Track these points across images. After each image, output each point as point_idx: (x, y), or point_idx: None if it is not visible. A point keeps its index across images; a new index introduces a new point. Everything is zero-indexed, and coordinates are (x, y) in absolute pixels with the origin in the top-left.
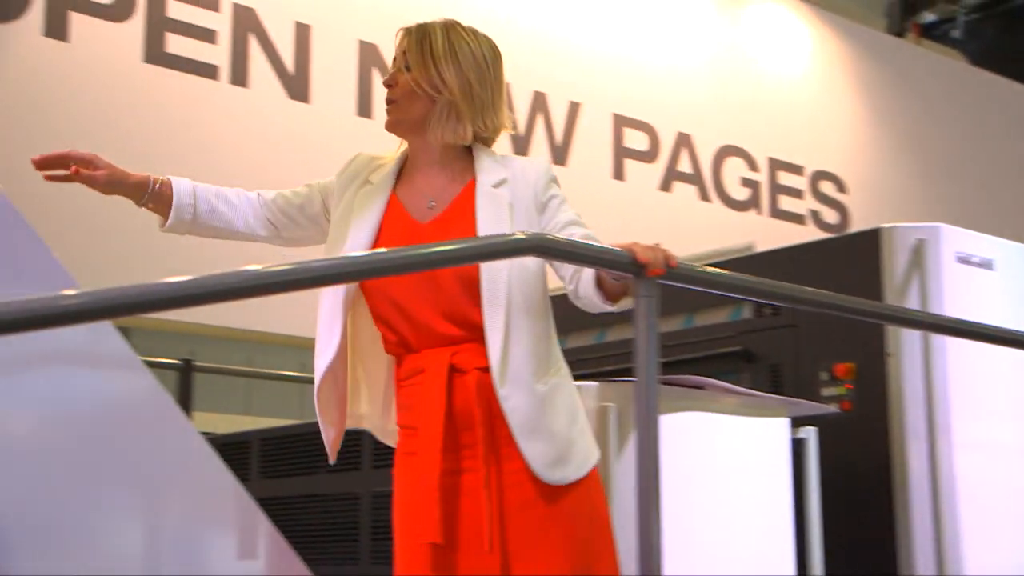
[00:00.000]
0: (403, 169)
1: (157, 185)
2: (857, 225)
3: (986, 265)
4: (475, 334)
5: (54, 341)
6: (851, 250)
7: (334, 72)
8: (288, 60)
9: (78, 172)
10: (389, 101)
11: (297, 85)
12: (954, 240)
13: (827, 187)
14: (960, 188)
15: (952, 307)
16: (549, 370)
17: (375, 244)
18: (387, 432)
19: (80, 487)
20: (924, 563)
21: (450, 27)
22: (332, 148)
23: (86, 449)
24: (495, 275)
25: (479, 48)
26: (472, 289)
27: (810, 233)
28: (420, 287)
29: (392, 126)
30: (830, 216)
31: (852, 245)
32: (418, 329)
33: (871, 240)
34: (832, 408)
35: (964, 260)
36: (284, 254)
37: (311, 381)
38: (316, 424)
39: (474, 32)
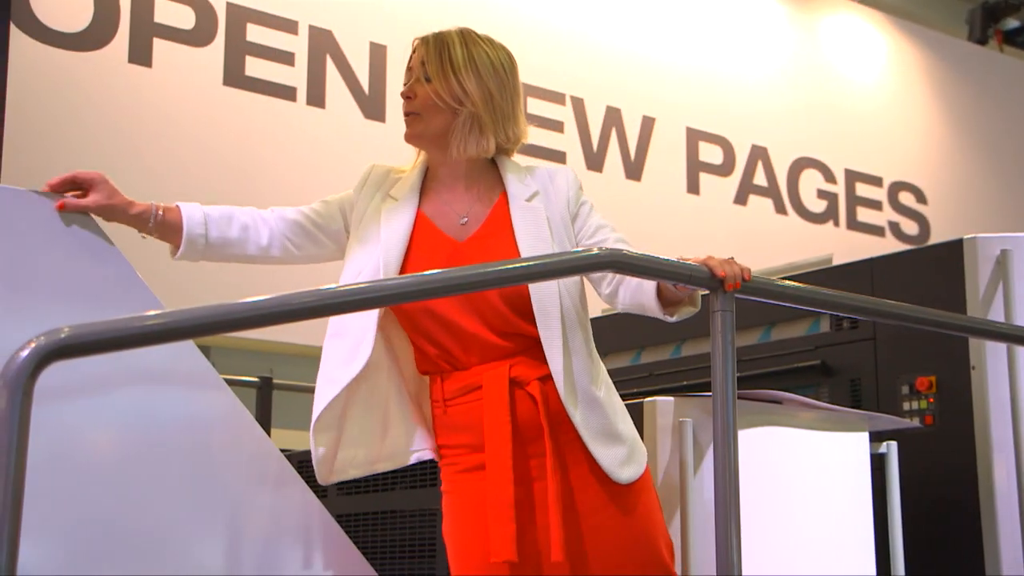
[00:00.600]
0: (424, 182)
1: (160, 214)
2: (937, 236)
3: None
4: (526, 345)
5: (138, 360)
6: (932, 261)
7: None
8: (364, 80)
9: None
10: (408, 113)
11: (373, 105)
12: None
13: (906, 198)
14: None
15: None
16: (599, 374)
17: (406, 261)
18: (383, 457)
19: (162, 503)
20: (1013, 567)
21: (467, 36)
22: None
23: (168, 465)
24: (545, 287)
25: (497, 57)
26: (519, 302)
27: (889, 245)
28: (465, 301)
29: (413, 139)
30: (909, 227)
31: (933, 256)
32: (466, 344)
33: (953, 251)
34: (914, 422)
35: None
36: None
37: None
38: None
39: (490, 40)
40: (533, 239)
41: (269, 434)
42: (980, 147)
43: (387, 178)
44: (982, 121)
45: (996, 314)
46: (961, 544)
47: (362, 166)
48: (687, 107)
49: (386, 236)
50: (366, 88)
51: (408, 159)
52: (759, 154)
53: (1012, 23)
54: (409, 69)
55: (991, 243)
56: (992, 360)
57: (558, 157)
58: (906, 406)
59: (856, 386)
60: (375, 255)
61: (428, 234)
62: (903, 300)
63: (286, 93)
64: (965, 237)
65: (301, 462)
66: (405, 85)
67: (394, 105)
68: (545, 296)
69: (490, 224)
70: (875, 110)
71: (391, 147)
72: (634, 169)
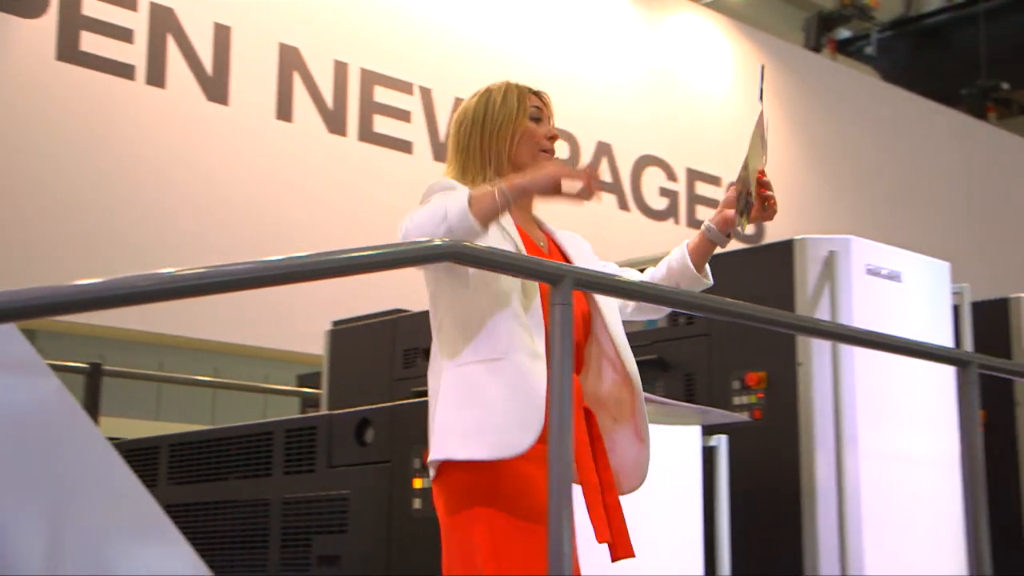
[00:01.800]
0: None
1: None
2: (771, 236)
3: (894, 277)
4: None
5: None
6: (765, 261)
7: (253, 74)
8: (207, 61)
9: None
10: (553, 152)
11: (216, 87)
12: (864, 253)
13: None
14: (871, 201)
15: (861, 318)
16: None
17: None
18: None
19: None
20: (828, 567)
21: None
22: (250, 151)
23: None
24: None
25: None
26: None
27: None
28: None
29: None
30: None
31: (766, 256)
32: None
33: (784, 251)
34: (743, 416)
35: (874, 272)
36: (197, 258)
37: (224, 386)
38: (226, 429)
39: None
40: (583, 261)
41: (97, 422)
42: (814, 151)
43: None
44: (817, 126)
45: (822, 312)
46: (782, 534)
47: (203, 147)
48: None
49: (515, 237)
50: (209, 69)
51: (308, 152)
52: (604, 151)
53: (844, 33)
54: (546, 115)
55: (819, 244)
56: (818, 357)
57: (404, 147)
58: (737, 400)
59: (691, 380)
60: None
61: (534, 251)
62: (737, 298)
63: (124, 71)
64: (795, 238)
65: (130, 451)
66: (548, 131)
67: (239, 87)
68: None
69: (553, 248)
70: (717, 112)
71: (233, 130)
72: None
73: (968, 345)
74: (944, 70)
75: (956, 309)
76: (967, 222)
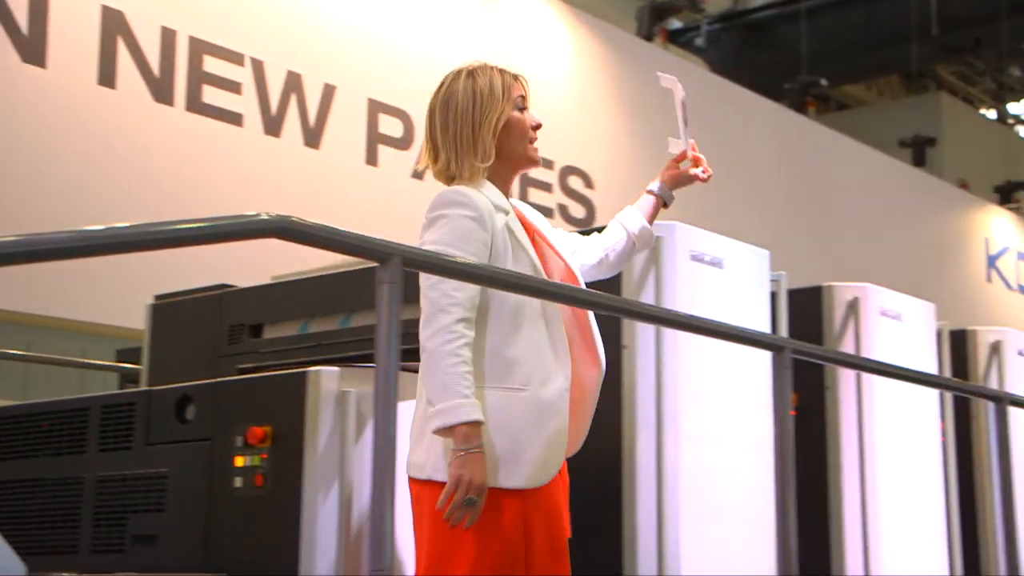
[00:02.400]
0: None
1: None
2: (602, 220)
3: (717, 264)
4: None
5: None
6: None
7: (73, 37)
8: (22, 21)
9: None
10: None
11: (32, 48)
12: (689, 239)
13: (575, 182)
14: (696, 189)
15: (684, 303)
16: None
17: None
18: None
19: None
20: (646, 549)
21: None
22: (70, 116)
23: None
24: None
25: None
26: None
27: (557, 227)
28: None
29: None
30: (577, 211)
31: None
32: None
33: None
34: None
35: (697, 258)
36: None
37: (37, 360)
38: (37, 404)
39: None
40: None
41: None
42: (644, 137)
43: (484, 199)
44: (647, 113)
45: (647, 296)
46: (603, 516)
47: (18, 112)
48: (369, 78)
49: (524, 243)
50: (24, 29)
51: (135, 122)
52: None
53: (676, 23)
54: (526, 104)
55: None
56: (642, 341)
57: (234, 119)
58: None
59: None
60: (532, 256)
61: (536, 234)
62: None
63: None
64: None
65: None
66: (533, 120)
67: (57, 49)
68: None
69: (538, 229)
70: (551, 96)
71: (53, 94)
72: (313, 137)
73: (784, 331)
74: (768, 64)
75: (774, 296)
76: (786, 212)
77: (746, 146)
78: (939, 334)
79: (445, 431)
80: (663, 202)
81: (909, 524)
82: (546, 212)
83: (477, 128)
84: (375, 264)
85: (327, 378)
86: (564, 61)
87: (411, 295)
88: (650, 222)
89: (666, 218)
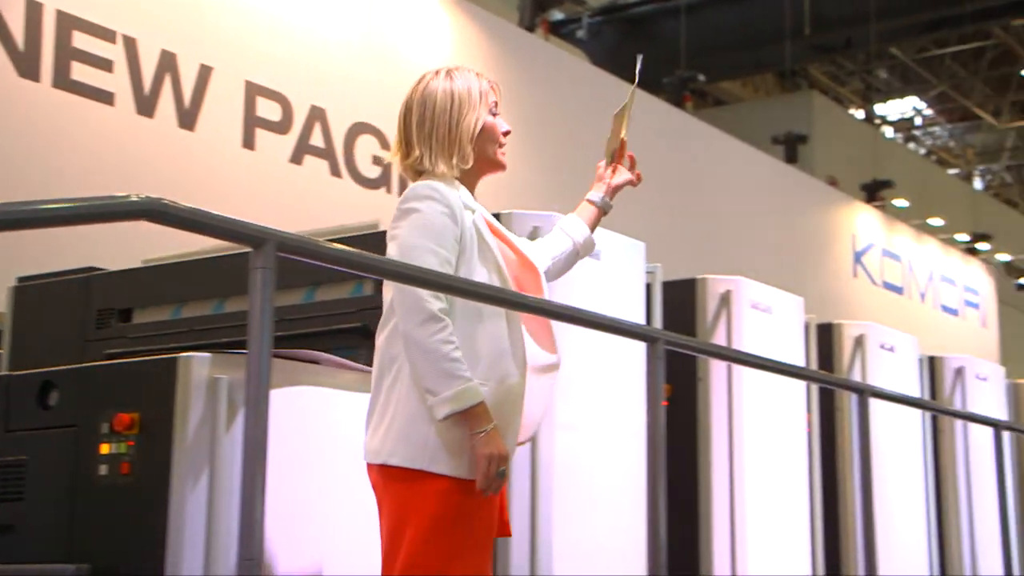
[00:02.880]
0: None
1: None
2: (488, 209)
3: (594, 255)
4: None
5: None
6: None
7: None
8: None
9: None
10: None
11: None
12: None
13: None
14: (575, 179)
15: (560, 293)
16: None
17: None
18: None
19: None
20: (519, 535)
21: None
22: None
23: None
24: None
25: None
26: None
27: None
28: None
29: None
30: None
31: None
32: None
33: None
34: None
35: None
36: None
37: None
38: None
39: None
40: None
41: None
42: (522, 127)
43: (456, 196)
44: (526, 103)
45: None
46: None
47: None
48: (247, 60)
49: (491, 241)
50: None
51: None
52: (317, 115)
53: (557, 15)
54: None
55: (524, 220)
56: None
57: (105, 97)
58: None
59: None
60: (498, 254)
61: (501, 234)
62: None
63: None
64: (501, 213)
65: None
66: (504, 126)
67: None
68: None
69: (499, 229)
70: None
71: None
72: (188, 118)
73: (658, 322)
74: (647, 58)
75: (648, 288)
76: (662, 205)
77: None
78: (807, 327)
79: (458, 416)
80: (603, 211)
81: (775, 515)
82: None
83: (454, 128)
84: (249, 249)
85: (198, 364)
86: (444, 49)
87: (285, 281)
88: (591, 230)
89: (543, 209)
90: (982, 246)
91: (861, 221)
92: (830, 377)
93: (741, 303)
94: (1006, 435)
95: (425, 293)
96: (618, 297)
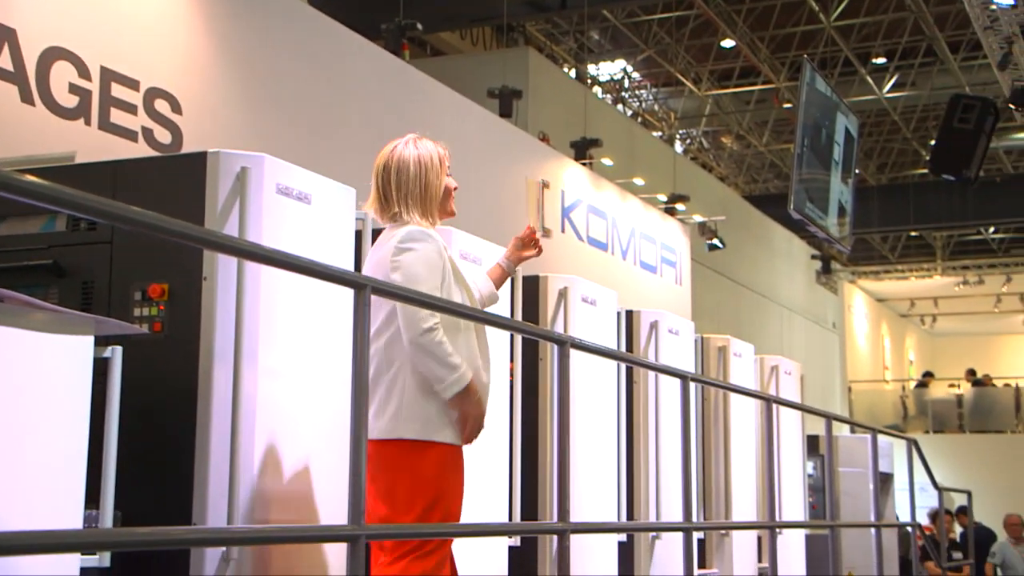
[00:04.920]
0: None
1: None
2: (190, 147)
3: (304, 199)
4: None
5: None
6: (177, 171)
7: None
8: None
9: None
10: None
11: None
12: (276, 172)
13: (162, 106)
14: (288, 123)
15: (270, 236)
16: None
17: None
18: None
19: None
20: (218, 480)
21: None
22: None
23: None
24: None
25: None
26: None
27: (142, 150)
28: None
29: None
30: (163, 136)
31: (178, 166)
32: None
33: (197, 163)
34: (143, 328)
35: (284, 192)
36: None
37: None
38: None
39: None
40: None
41: None
42: (237, 69)
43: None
44: (241, 44)
45: (232, 228)
46: (176, 448)
47: None
48: None
49: (461, 270)
50: None
51: None
52: (6, 36)
53: None
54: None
55: (233, 159)
56: (223, 272)
57: None
58: (137, 312)
59: (88, 289)
60: (470, 282)
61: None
62: (146, 206)
63: None
64: (209, 151)
65: None
66: (453, 184)
67: None
68: None
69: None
70: (138, 11)
71: None
72: None
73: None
74: (366, 4)
75: (359, 234)
76: (375, 152)
77: (340, 83)
78: (513, 279)
79: (461, 392)
80: (508, 274)
81: (475, 461)
82: (130, 135)
83: (424, 191)
84: None
85: None
86: None
87: None
88: (496, 288)
89: (254, 150)
90: (680, 207)
91: (570, 177)
92: (533, 328)
93: (451, 252)
94: (693, 386)
95: (423, 312)
96: (328, 242)
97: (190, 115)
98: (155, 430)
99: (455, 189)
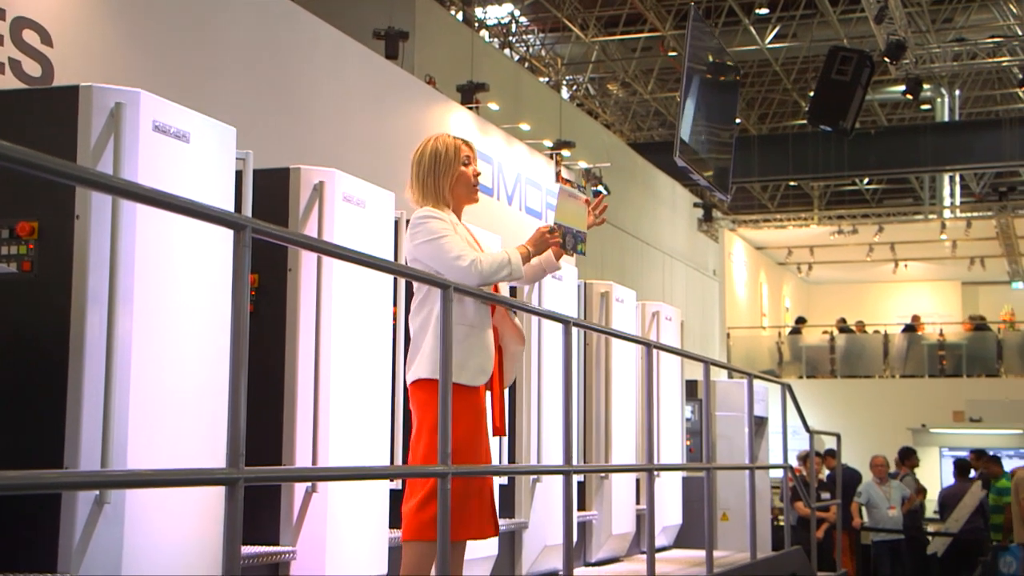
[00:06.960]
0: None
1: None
2: (61, 80)
3: (182, 137)
4: None
5: None
6: (48, 105)
7: None
8: None
9: None
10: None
11: None
12: (153, 108)
13: (31, 36)
14: (165, 59)
15: (146, 175)
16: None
17: None
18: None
19: None
20: (91, 422)
21: None
22: None
23: None
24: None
25: None
26: None
27: (9, 83)
28: None
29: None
30: (32, 68)
31: (49, 100)
32: None
33: (69, 97)
34: (11, 268)
35: (161, 129)
36: None
37: None
38: None
39: None
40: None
41: None
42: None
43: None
44: None
45: (106, 165)
46: (47, 391)
47: None
48: None
49: (471, 242)
50: None
51: None
52: None
53: None
54: (474, 158)
55: (107, 94)
56: (97, 211)
57: None
58: (4, 250)
59: None
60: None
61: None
62: (14, 141)
63: None
64: (81, 85)
65: None
66: (475, 170)
67: None
68: None
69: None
70: None
71: None
72: None
73: (248, 210)
74: None
75: (239, 175)
76: (255, 90)
77: (220, 21)
78: (396, 223)
79: (524, 257)
80: (529, 258)
81: (358, 406)
82: None
83: (437, 180)
84: None
85: None
86: None
87: None
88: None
89: (129, 85)
90: (565, 153)
91: (456, 122)
92: (417, 272)
93: (334, 195)
94: (575, 331)
95: (451, 259)
96: (206, 182)
97: (61, 48)
98: (24, 373)
99: (477, 175)
